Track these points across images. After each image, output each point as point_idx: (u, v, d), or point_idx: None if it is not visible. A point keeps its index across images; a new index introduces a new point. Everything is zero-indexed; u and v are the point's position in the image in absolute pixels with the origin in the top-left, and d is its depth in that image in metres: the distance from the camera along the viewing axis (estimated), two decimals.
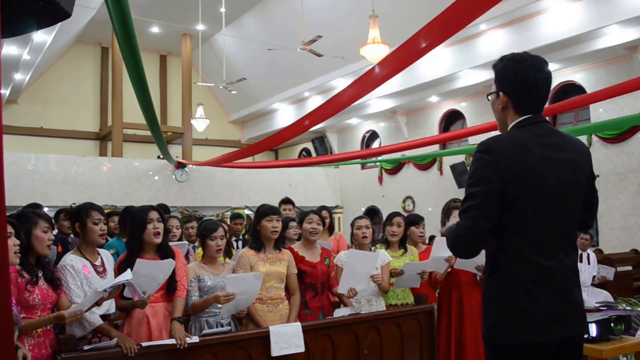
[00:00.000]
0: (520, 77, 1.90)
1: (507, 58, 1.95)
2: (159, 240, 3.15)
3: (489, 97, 2.04)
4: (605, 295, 6.23)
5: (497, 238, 1.86)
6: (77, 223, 3.02)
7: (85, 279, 2.91)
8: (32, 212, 2.80)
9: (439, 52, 9.97)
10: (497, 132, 2.18)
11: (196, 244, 5.17)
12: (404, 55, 4.06)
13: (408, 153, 11.15)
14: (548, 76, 1.93)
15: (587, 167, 1.97)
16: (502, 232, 1.85)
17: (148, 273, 2.86)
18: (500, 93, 1.95)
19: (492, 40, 9.61)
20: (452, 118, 12.35)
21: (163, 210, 3.61)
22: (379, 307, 3.89)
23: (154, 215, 3.15)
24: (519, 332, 1.81)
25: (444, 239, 4.15)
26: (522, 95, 1.91)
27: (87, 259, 2.99)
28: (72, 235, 4.94)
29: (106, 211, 5.51)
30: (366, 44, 8.21)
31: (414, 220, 4.48)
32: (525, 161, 1.83)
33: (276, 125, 15.39)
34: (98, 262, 3.05)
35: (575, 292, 1.90)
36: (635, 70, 8.51)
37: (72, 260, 2.91)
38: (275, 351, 3.13)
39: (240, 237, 5.90)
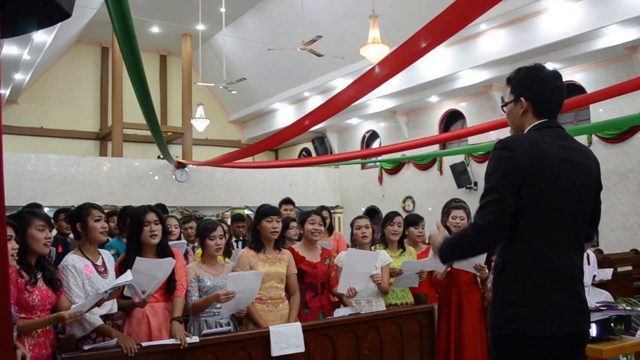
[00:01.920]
0: (541, 82, 2.04)
1: (526, 67, 2.09)
2: (155, 242, 3.14)
3: (505, 108, 2.14)
4: (605, 295, 6.22)
5: (511, 233, 1.94)
6: (78, 223, 3.01)
7: (87, 279, 2.91)
8: (26, 212, 2.78)
9: (439, 52, 9.97)
10: (497, 132, 2.21)
11: (196, 244, 5.17)
12: (404, 55, 4.06)
13: (408, 153, 11.16)
14: (563, 86, 2.10)
15: (597, 175, 2.07)
16: (516, 227, 1.92)
17: (148, 272, 2.86)
18: (522, 98, 2.05)
19: (492, 40, 9.61)
20: (452, 118, 12.35)
21: (161, 210, 3.60)
22: (378, 307, 3.89)
23: (151, 217, 3.14)
24: (527, 324, 1.88)
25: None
26: (543, 99, 2.04)
27: (89, 259, 2.99)
28: (71, 236, 4.94)
29: (106, 211, 5.52)
30: (366, 44, 8.21)
31: (413, 220, 4.48)
32: (542, 160, 1.91)
33: (276, 125, 15.38)
34: (99, 262, 3.05)
35: (582, 290, 1.98)
36: (635, 70, 8.51)
37: (73, 260, 2.91)
38: (275, 351, 3.13)
39: (241, 238, 5.87)
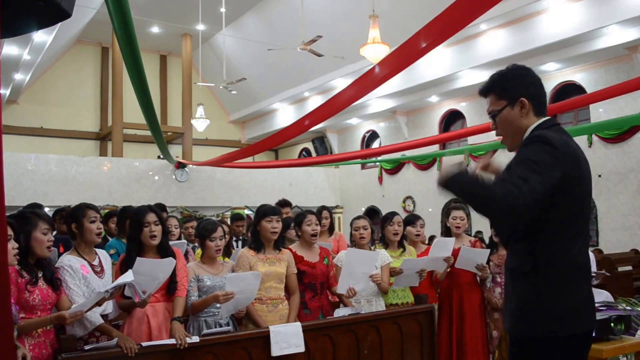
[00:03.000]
0: (533, 79, 2.02)
1: (509, 70, 2.04)
2: (155, 242, 3.14)
3: (497, 117, 2.03)
4: (605, 295, 6.22)
5: (539, 233, 1.88)
6: (74, 223, 3.01)
7: (83, 279, 2.91)
8: (31, 213, 2.78)
9: (439, 52, 9.97)
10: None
11: (196, 244, 5.17)
12: (404, 55, 4.06)
13: (408, 153, 11.16)
14: None
15: None
16: (543, 226, 1.88)
17: (148, 272, 2.86)
18: (522, 99, 1.98)
19: (492, 40, 9.61)
20: (452, 118, 12.35)
21: (160, 210, 3.59)
22: (378, 307, 3.89)
23: (151, 218, 3.14)
24: (560, 325, 1.86)
25: (444, 238, 4.18)
26: (540, 95, 2.02)
27: (85, 259, 2.99)
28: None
29: (106, 211, 5.53)
30: (366, 44, 8.21)
31: (410, 220, 4.48)
32: (575, 159, 1.89)
33: (276, 125, 15.38)
34: (96, 262, 3.04)
35: (591, 287, 2.01)
36: (635, 70, 8.51)
37: (69, 260, 2.91)
38: (275, 351, 3.13)
39: (241, 238, 5.87)
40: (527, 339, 1.91)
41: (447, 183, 1.80)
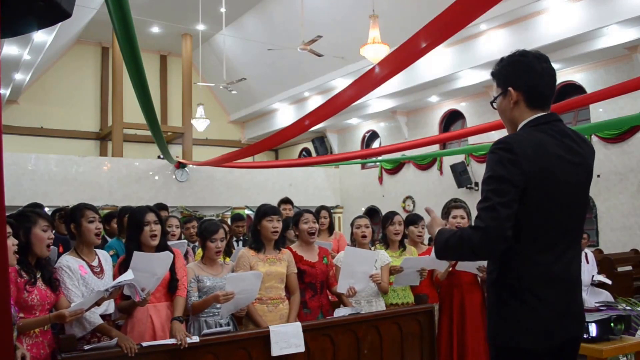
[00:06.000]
0: (527, 67, 1.89)
1: (509, 56, 1.95)
2: (155, 242, 3.14)
3: (494, 104, 1.99)
4: (605, 295, 6.23)
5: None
6: (72, 223, 3.01)
7: (82, 279, 2.91)
8: (31, 211, 2.79)
9: (439, 52, 9.97)
10: (497, 132, 2.17)
11: (196, 244, 5.16)
12: (404, 55, 4.06)
13: (408, 153, 11.15)
14: (552, 68, 1.93)
15: (592, 168, 1.97)
16: (512, 234, 1.80)
17: (146, 267, 2.85)
18: (510, 89, 1.90)
19: (492, 40, 9.61)
20: (452, 118, 12.35)
21: (161, 208, 3.59)
22: (378, 307, 3.89)
23: (150, 217, 3.14)
24: (526, 337, 1.80)
25: None
26: (533, 86, 1.89)
27: (84, 260, 2.99)
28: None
29: (106, 212, 5.53)
30: (366, 44, 8.21)
31: (413, 220, 4.49)
32: (545, 163, 1.79)
33: (276, 125, 15.39)
34: (95, 263, 3.04)
35: (578, 293, 1.91)
36: (635, 70, 8.50)
37: (67, 261, 2.92)
38: (275, 351, 3.13)
39: (241, 238, 5.87)
40: (497, 347, 1.88)
41: (438, 256, 2.00)
